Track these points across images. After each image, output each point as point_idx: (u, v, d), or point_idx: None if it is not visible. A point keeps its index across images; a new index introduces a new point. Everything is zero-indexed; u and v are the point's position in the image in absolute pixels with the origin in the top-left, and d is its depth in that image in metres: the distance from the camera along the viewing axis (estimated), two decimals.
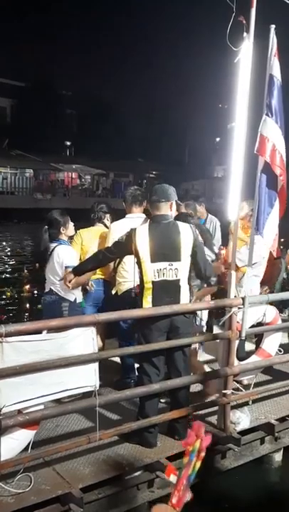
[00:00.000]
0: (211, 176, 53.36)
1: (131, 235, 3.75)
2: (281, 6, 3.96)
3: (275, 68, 3.86)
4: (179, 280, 3.74)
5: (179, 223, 3.86)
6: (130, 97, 50.43)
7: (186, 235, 3.76)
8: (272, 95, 3.84)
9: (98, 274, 4.82)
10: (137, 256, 3.71)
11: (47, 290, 4.55)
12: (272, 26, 3.80)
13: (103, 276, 4.87)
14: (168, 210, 3.82)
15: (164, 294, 3.70)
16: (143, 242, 3.68)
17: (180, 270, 3.73)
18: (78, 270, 4.13)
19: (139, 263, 3.72)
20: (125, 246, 3.78)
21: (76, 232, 4.92)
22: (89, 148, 45.03)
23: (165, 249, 3.69)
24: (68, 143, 51.72)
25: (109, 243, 4.30)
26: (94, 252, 4.32)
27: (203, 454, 1.95)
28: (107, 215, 5.06)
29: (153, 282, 3.69)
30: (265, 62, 3.85)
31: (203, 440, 1.95)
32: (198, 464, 1.95)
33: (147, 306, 3.71)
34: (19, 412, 3.13)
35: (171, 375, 3.85)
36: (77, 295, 4.53)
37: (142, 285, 3.75)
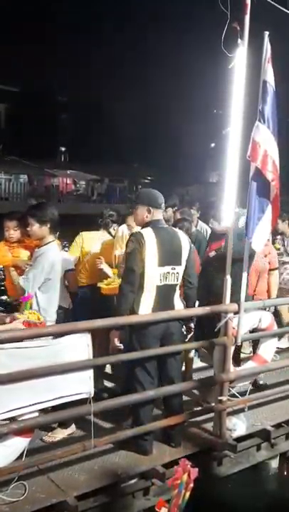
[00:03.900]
0: (206, 181, 53.45)
1: (139, 239, 3.60)
2: (275, 13, 3.99)
3: (269, 74, 3.88)
4: (176, 285, 3.75)
5: (174, 228, 3.89)
6: (125, 103, 50.44)
7: (185, 240, 3.80)
8: (265, 101, 3.85)
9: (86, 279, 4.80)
10: (142, 260, 3.59)
11: None
12: (266, 33, 3.82)
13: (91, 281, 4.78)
14: (161, 215, 3.85)
15: (164, 298, 3.70)
16: (151, 246, 3.60)
17: (180, 274, 3.74)
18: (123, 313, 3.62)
19: (142, 267, 3.60)
20: (140, 253, 3.59)
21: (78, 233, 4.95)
22: (84, 154, 45.04)
23: (170, 253, 3.68)
24: (63, 148, 51.78)
25: None
26: (121, 294, 3.65)
27: (191, 485, 1.97)
28: (114, 225, 5.05)
29: (157, 287, 3.64)
30: (259, 68, 3.87)
31: (191, 473, 1.97)
32: (188, 494, 1.97)
33: (145, 311, 3.64)
34: (13, 419, 3.10)
35: (164, 382, 3.81)
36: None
37: (140, 289, 3.63)
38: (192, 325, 4.01)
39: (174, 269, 3.69)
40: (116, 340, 3.66)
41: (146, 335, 3.65)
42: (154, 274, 3.62)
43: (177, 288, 3.78)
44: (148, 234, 3.65)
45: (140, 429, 3.66)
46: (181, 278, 3.78)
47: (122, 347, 3.69)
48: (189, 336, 4.00)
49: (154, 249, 3.61)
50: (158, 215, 3.78)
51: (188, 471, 1.97)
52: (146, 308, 3.65)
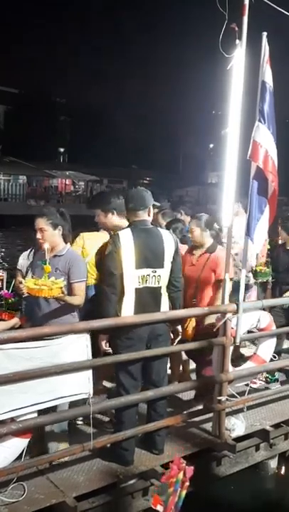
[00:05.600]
0: (205, 182, 53.55)
1: (115, 241, 3.55)
2: (273, 14, 4.00)
3: (267, 75, 3.90)
4: (160, 287, 3.66)
5: (161, 229, 3.81)
6: (124, 104, 50.56)
7: (169, 242, 3.69)
8: (264, 101, 3.87)
9: (91, 279, 4.77)
10: (119, 262, 3.54)
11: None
12: (264, 33, 3.84)
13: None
14: (146, 216, 3.71)
15: (147, 301, 3.61)
16: (128, 248, 3.53)
17: (162, 277, 3.64)
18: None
19: (120, 269, 3.54)
20: (117, 255, 3.53)
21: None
22: (83, 155, 45.12)
23: (149, 256, 3.58)
24: (62, 149, 51.86)
25: None
26: (105, 297, 3.56)
27: (187, 483, 1.97)
28: None
29: (136, 289, 3.56)
30: (257, 69, 3.88)
31: (187, 471, 1.97)
32: (184, 493, 1.97)
33: (127, 314, 3.56)
34: (12, 420, 3.10)
35: (149, 385, 3.73)
36: None
37: (122, 292, 3.57)
38: (179, 328, 3.91)
39: (155, 271, 3.59)
40: (104, 343, 3.61)
41: (132, 338, 3.56)
42: (132, 277, 3.54)
43: (163, 291, 3.68)
44: (125, 235, 3.56)
45: (139, 429, 3.65)
46: (165, 281, 3.67)
47: (111, 350, 3.66)
48: (177, 340, 3.90)
49: (131, 251, 3.52)
50: (138, 215, 3.65)
51: (184, 470, 1.97)
52: (128, 311, 3.57)
